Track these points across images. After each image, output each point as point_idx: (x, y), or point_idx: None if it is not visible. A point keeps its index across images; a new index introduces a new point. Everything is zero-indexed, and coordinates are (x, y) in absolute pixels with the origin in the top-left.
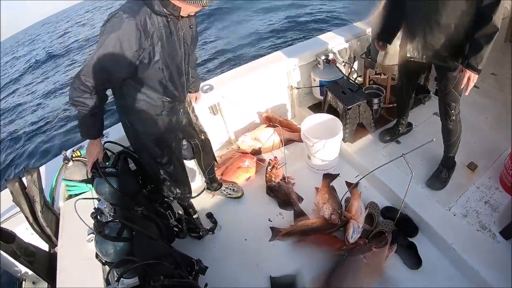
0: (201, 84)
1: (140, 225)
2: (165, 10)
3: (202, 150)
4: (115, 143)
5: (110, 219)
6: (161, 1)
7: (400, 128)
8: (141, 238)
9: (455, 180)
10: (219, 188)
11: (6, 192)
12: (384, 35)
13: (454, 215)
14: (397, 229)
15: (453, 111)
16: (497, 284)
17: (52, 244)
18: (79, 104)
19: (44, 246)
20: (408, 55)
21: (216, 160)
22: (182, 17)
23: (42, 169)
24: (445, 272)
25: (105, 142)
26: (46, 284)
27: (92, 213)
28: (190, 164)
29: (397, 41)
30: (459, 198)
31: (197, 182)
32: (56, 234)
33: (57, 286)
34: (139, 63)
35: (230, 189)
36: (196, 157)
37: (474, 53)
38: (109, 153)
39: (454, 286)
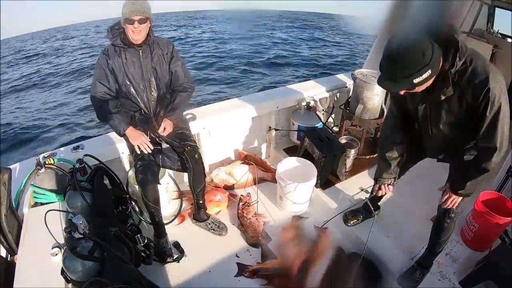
0: (184, 113)
1: (114, 246)
2: (120, 43)
3: (192, 167)
4: (93, 157)
5: (81, 236)
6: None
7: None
8: (113, 260)
9: (418, 232)
10: (206, 220)
11: None
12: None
13: None
14: (361, 274)
15: (455, 209)
16: None
17: (12, 251)
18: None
19: (2, 252)
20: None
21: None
22: (140, 45)
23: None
24: None
25: (84, 155)
26: None
27: (66, 228)
28: (164, 189)
29: (376, 98)
30: (422, 249)
31: (169, 208)
32: (17, 241)
33: None
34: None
35: (216, 225)
36: (188, 173)
37: (459, 180)
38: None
39: None
